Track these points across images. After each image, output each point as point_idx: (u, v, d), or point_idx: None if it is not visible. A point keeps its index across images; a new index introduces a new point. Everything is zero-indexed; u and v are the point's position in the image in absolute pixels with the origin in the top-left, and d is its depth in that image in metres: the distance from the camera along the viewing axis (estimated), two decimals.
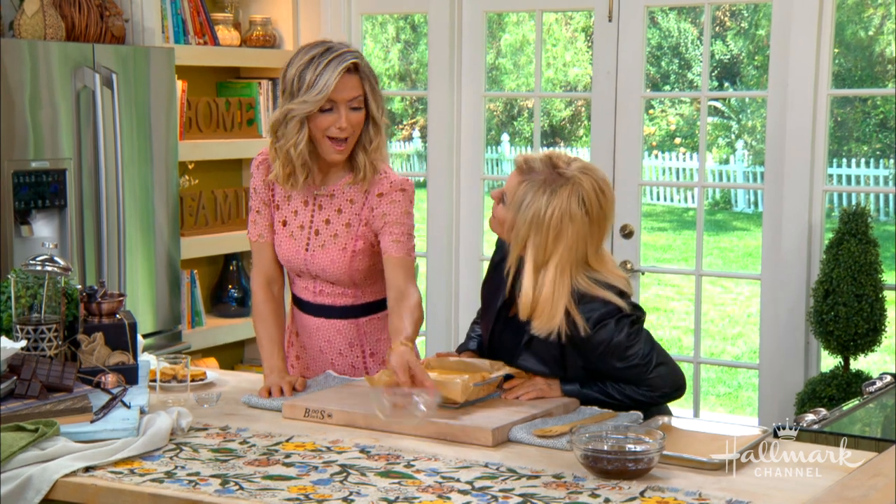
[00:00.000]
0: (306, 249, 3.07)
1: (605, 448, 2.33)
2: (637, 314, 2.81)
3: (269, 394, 2.87)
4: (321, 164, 3.04)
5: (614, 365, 2.76)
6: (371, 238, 3.04)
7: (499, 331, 2.95)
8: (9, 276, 2.83)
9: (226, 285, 5.34)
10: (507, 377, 2.86)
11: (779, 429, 2.71)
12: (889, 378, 3.80)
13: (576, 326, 2.74)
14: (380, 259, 3.04)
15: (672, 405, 2.93)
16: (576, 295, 2.75)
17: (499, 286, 2.93)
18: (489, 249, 5.35)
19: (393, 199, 3.00)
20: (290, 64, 2.96)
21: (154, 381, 2.86)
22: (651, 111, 15.18)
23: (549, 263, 2.74)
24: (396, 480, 2.27)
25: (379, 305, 3.14)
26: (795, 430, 2.72)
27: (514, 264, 2.82)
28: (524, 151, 2.86)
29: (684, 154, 14.82)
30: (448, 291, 5.24)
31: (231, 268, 5.34)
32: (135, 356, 2.89)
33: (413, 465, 2.37)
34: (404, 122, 16.03)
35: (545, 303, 2.74)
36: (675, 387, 2.80)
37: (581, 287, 2.76)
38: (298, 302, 3.20)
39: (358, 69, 2.93)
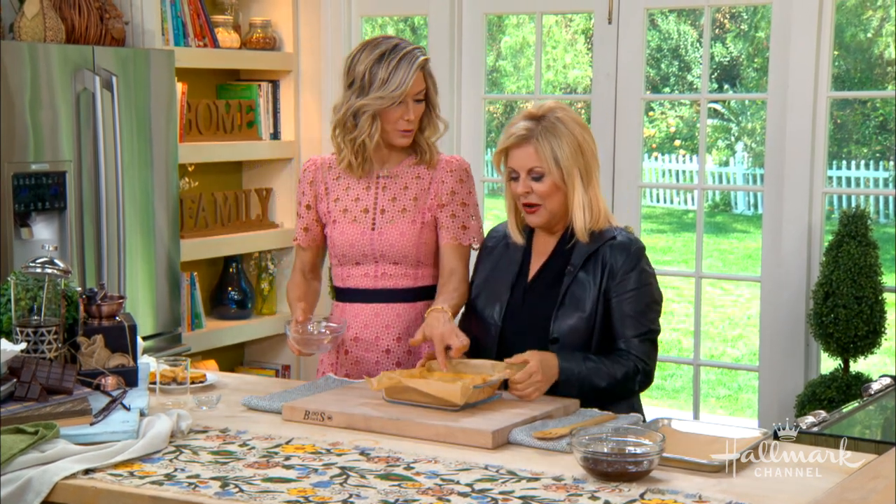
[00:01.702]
0: (372, 229, 3.19)
1: (605, 450, 2.33)
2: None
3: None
4: (382, 149, 3.22)
5: (629, 311, 2.90)
6: (437, 213, 3.21)
7: (516, 306, 3.00)
8: (9, 279, 2.83)
9: (226, 287, 5.33)
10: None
11: (779, 430, 2.71)
12: (889, 380, 3.80)
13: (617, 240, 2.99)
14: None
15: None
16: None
17: (503, 272, 3.06)
18: None
19: (461, 178, 3.25)
20: (357, 59, 3.12)
21: (154, 383, 2.86)
22: (651, 113, 15.18)
23: (592, 176, 2.96)
24: (396, 483, 2.27)
25: (432, 292, 3.25)
26: (795, 430, 2.72)
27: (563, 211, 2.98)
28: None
29: (684, 156, 14.82)
30: None
31: (231, 270, 5.33)
32: (134, 358, 2.89)
33: (413, 468, 2.37)
34: None
35: (603, 207, 2.99)
36: (651, 371, 2.95)
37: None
38: (353, 294, 3.23)
39: (424, 66, 3.13)
